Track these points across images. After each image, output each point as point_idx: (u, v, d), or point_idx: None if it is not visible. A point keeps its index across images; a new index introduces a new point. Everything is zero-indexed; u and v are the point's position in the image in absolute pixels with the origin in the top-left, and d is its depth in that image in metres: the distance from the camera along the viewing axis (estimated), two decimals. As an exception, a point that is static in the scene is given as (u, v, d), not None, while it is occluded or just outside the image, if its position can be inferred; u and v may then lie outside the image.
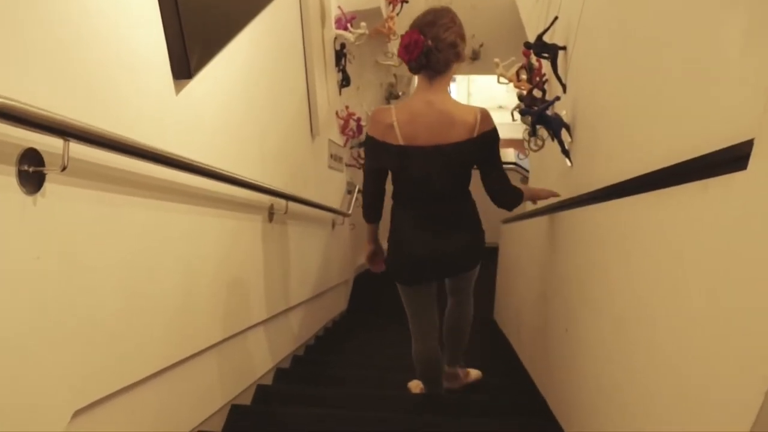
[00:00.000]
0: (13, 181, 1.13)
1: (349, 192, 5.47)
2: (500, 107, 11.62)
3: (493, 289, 5.35)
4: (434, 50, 2.13)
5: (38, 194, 1.20)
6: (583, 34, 2.28)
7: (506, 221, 4.45)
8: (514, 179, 7.02)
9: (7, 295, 1.14)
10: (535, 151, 2.69)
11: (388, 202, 2.45)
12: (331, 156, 4.72)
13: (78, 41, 1.38)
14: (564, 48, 2.53)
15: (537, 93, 2.87)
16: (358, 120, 5.27)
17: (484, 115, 2.21)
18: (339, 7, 4.45)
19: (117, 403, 1.56)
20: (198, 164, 1.88)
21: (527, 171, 6.20)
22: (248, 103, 2.66)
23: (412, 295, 2.50)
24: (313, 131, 3.98)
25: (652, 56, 1.46)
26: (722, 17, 1.09)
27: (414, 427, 2.44)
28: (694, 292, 1.09)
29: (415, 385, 2.95)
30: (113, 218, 1.52)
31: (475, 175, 2.33)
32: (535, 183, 3.66)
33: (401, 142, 2.19)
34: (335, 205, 4.82)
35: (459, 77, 11.61)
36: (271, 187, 2.72)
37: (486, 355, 4.17)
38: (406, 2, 5.23)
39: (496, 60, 3.19)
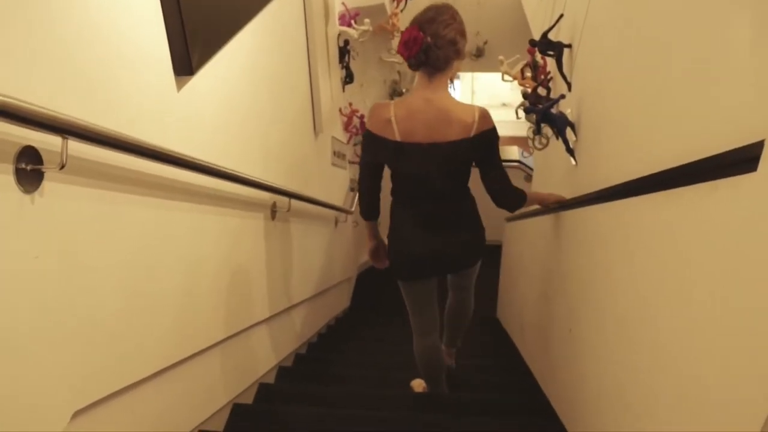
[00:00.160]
0: (10, 179, 1.12)
1: (352, 189, 5.45)
2: (504, 104, 11.60)
3: (495, 288, 5.34)
4: (433, 47, 2.11)
5: (36, 193, 1.19)
6: (588, 32, 2.26)
7: (510, 219, 4.44)
8: (518, 177, 7.03)
9: (5, 296, 1.13)
10: (540, 149, 2.68)
11: (387, 200, 2.43)
12: (334, 153, 4.70)
13: (78, 38, 1.36)
14: (569, 46, 2.51)
15: (542, 91, 2.86)
16: (362, 117, 5.25)
17: (483, 114, 2.19)
18: (343, 4, 4.43)
19: (118, 403, 1.55)
20: (199, 162, 1.86)
21: (531, 169, 6.18)
22: (251, 100, 2.65)
23: (412, 291, 2.49)
24: (316, 128, 3.96)
25: (660, 55, 1.44)
26: (731, 16, 1.08)
27: (415, 427, 2.44)
28: (700, 293, 1.08)
29: (418, 384, 2.94)
30: (113, 217, 1.51)
31: (477, 174, 2.31)
32: (539, 181, 3.64)
33: (398, 138, 2.18)
34: (338, 203, 4.80)
35: (463, 74, 11.55)
36: (274, 185, 2.70)
37: (488, 354, 4.16)
38: (410, -2, 5.22)
39: (501, 57, 3.18)
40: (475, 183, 2.34)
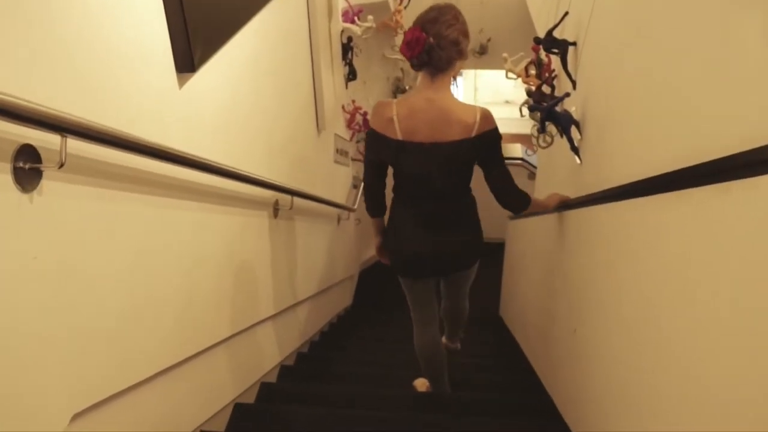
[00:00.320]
0: (8, 178, 1.10)
1: (355, 186, 5.44)
2: (507, 102, 11.57)
3: (498, 286, 5.33)
4: (436, 47, 2.11)
5: (35, 192, 1.17)
6: (594, 30, 2.24)
7: (513, 217, 4.43)
8: (521, 175, 7.01)
9: (3, 297, 1.11)
10: (544, 147, 2.66)
11: (390, 197, 2.46)
12: (337, 150, 4.69)
13: (78, 35, 1.34)
14: (574, 44, 2.49)
15: (546, 89, 2.83)
16: (365, 114, 5.23)
17: (485, 114, 2.19)
18: (346, 0, 4.41)
19: (118, 404, 1.54)
20: (201, 159, 1.84)
21: (535, 167, 6.16)
22: (254, 97, 2.63)
23: (412, 289, 2.53)
24: (319, 125, 3.95)
25: (668, 52, 1.42)
26: (744, 10, 1.05)
27: (415, 426, 2.44)
28: (711, 295, 1.07)
29: (421, 384, 2.94)
30: (114, 216, 1.49)
31: (481, 175, 2.31)
32: (542, 179, 3.62)
33: (399, 137, 2.19)
34: (341, 200, 4.79)
35: (465, 71, 11.52)
36: (276, 183, 2.69)
37: (491, 353, 4.15)
38: (414, -5, 5.19)
39: (505, 55, 3.15)
40: (479, 183, 2.34)
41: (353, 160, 5.42)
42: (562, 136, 2.37)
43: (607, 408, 1.74)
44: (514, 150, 7.67)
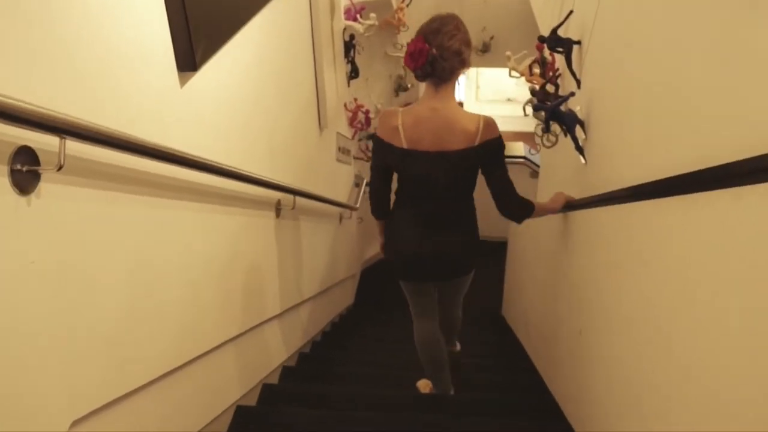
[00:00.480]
0: (5, 181, 1.08)
1: (357, 185, 5.42)
2: (509, 100, 11.53)
3: (501, 285, 5.31)
4: (439, 59, 2.15)
5: (33, 195, 1.15)
6: (599, 29, 2.21)
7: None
8: (524, 173, 6.98)
9: (0, 302, 1.09)
10: (548, 147, 2.64)
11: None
12: (339, 149, 4.67)
13: (78, 35, 1.32)
14: (579, 42, 2.47)
15: (550, 88, 2.81)
16: (367, 112, 5.21)
17: (488, 123, 2.23)
18: (348, -2, 4.39)
19: (119, 409, 1.52)
20: (201, 160, 1.82)
21: (537, 166, 6.13)
22: (256, 95, 2.61)
23: (413, 292, 2.60)
24: (321, 124, 3.93)
25: (678, 51, 1.39)
26: (758, 7, 1.02)
27: (415, 427, 2.45)
28: (711, 295, 1.08)
29: (424, 385, 2.94)
30: (114, 218, 1.47)
31: (481, 180, 2.33)
32: (546, 179, 3.59)
33: (405, 146, 2.24)
34: (343, 199, 4.77)
35: (468, 70, 11.47)
36: (279, 183, 2.67)
37: (491, 353, 4.13)
38: (417, -7, 5.17)
39: (508, 53, 3.13)
40: (480, 184, 2.34)
41: (355, 158, 5.40)
42: (566, 136, 2.35)
43: (611, 408, 1.74)
44: (516, 149, 7.62)
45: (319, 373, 3.25)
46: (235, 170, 2.11)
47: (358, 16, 4.46)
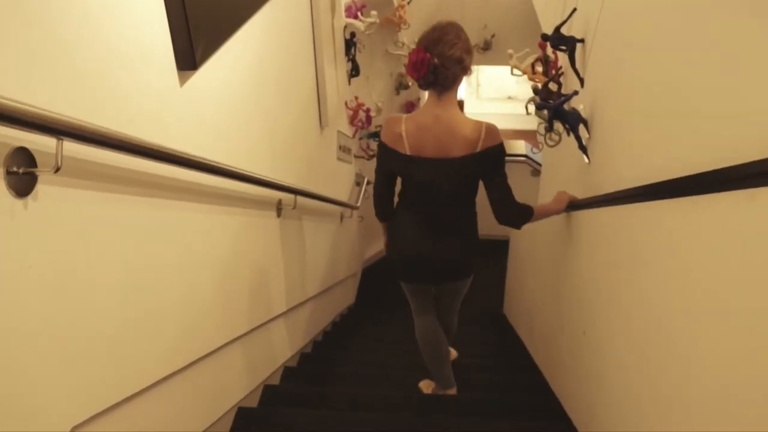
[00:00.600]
0: (0, 184, 1.06)
1: (358, 184, 5.40)
2: (509, 98, 11.53)
3: (502, 283, 5.29)
4: (441, 68, 2.17)
5: (29, 197, 1.13)
6: (603, 27, 2.20)
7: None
8: (525, 172, 6.94)
9: (-2, 305, 1.07)
10: (552, 146, 2.63)
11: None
12: (340, 147, 4.65)
13: (78, 35, 1.30)
14: (582, 41, 2.45)
15: (552, 86, 2.79)
16: (368, 110, 5.19)
17: (490, 130, 2.23)
18: (349, -4, 4.37)
19: (119, 413, 1.50)
20: (201, 160, 1.80)
21: (539, 164, 6.10)
22: (257, 94, 2.59)
23: (413, 292, 2.66)
24: (321, 122, 3.91)
25: (685, 50, 1.37)
26: (759, 7, 1.01)
27: (415, 427, 2.45)
28: (720, 298, 1.07)
29: (426, 385, 2.95)
30: (113, 220, 1.45)
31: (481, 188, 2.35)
32: (548, 177, 3.57)
33: (408, 152, 2.27)
34: (344, 198, 4.75)
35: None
36: (279, 182, 2.65)
37: (491, 353, 4.11)
38: (418, -9, 5.15)
39: (510, 51, 3.11)
40: (481, 193, 2.35)
41: (356, 157, 5.38)
42: (569, 135, 2.34)
43: (614, 408, 1.75)
44: (517, 147, 7.60)
45: (320, 373, 3.23)
46: (236, 170, 2.09)
47: (359, 13, 4.44)
